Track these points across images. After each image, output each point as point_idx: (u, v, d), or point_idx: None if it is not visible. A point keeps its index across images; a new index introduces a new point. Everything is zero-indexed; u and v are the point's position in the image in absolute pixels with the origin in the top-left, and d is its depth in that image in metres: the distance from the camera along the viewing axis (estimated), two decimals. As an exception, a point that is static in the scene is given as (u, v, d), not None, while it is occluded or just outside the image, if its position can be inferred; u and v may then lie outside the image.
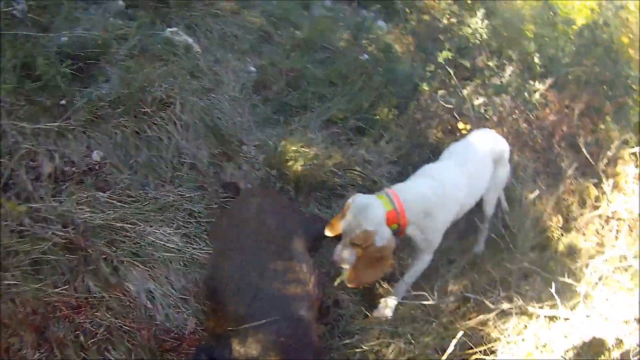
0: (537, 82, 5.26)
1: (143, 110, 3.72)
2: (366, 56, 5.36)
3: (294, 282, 2.89)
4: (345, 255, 2.98)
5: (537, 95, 5.16)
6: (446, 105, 4.94)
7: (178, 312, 3.06)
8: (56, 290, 2.84)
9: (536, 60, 5.48)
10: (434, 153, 4.49)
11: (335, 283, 3.21)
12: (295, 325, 2.75)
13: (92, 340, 2.74)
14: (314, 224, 3.48)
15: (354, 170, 4.12)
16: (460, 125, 4.92)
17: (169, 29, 4.62)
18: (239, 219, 3.23)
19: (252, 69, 4.80)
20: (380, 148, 4.46)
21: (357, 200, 3.00)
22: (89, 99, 3.72)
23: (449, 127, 4.98)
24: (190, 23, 4.93)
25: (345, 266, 3.05)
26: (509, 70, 5.39)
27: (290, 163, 3.90)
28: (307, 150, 3.98)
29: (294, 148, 3.97)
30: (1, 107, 3.32)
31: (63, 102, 3.71)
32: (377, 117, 4.64)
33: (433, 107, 4.96)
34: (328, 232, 3.27)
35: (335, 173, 4.01)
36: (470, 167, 3.49)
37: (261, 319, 2.69)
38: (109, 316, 2.84)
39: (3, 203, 3.04)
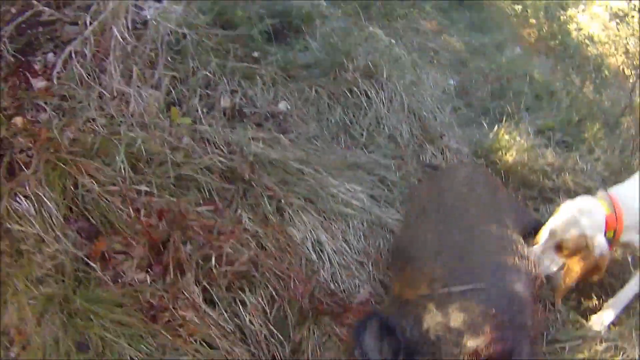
0: None
1: (344, 75, 3.13)
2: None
3: (507, 253, 2.08)
4: (548, 258, 2.36)
5: None
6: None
7: (349, 275, 2.26)
8: (197, 209, 2.19)
9: None
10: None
11: None
12: (510, 300, 1.92)
13: (225, 269, 2.02)
14: (528, 214, 2.75)
15: (567, 176, 3.27)
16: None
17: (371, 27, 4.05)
18: (446, 184, 2.50)
19: (452, 82, 4.12)
20: (590, 161, 3.57)
21: (574, 201, 2.41)
22: (285, 57, 3.21)
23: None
24: (391, 32, 4.33)
25: (541, 269, 2.34)
26: None
27: (501, 152, 3.22)
28: (522, 141, 3.31)
29: (507, 137, 3.28)
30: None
31: (256, 54, 3.22)
32: (586, 134, 3.83)
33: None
34: None
35: (547, 175, 3.23)
36: None
37: (468, 285, 1.88)
38: (258, 252, 2.12)
39: (164, 116, 2.55)
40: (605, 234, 2.29)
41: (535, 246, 2.35)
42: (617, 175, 3.47)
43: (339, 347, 2.03)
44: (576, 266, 2.26)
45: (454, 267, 1.95)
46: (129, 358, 1.78)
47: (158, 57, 2.80)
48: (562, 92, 4.17)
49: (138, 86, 2.63)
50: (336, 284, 2.21)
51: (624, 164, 3.61)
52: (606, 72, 5.32)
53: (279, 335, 2.00)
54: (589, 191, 3.06)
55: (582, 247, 2.26)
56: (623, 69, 5.94)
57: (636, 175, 2.59)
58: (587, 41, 6.13)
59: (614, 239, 2.35)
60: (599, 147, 3.69)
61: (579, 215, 2.29)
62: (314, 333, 2.04)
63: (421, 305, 1.87)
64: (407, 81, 3.35)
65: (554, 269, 2.34)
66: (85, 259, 1.95)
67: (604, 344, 2.21)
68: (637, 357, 2.16)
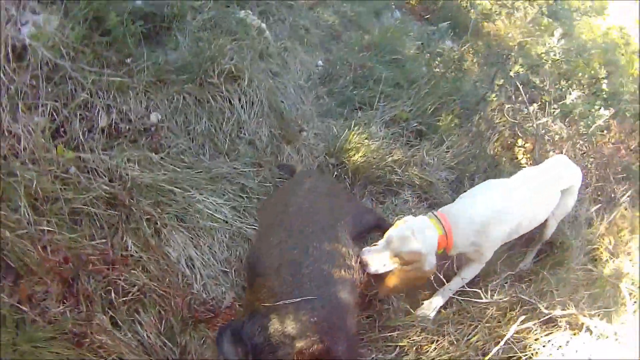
0: (602, 109, 4.67)
1: (209, 80, 3.29)
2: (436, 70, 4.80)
3: (337, 265, 2.45)
4: (381, 261, 2.59)
5: (600, 122, 4.54)
6: (510, 120, 4.45)
7: (217, 284, 2.67)
8: (92, 243, 2.48)
9: (604, 87, 4.88)
10: (490, 166, 4.09)
11: None
12: (332, 307, 2.32)
13: (123, 299, 2.38)
14: (366, 214, 3.04)
15: (413, 170, 3.62)
16: (520, 142, 4.48)
17: (242, 11, 4.15)
18: (290, 196, 2.80)
19: (320, 62, 4.34)
20: (439, 153, 3.92)
21: (412, 220, 2.63)
22: (156, 62, 3.29)
23: (509, 143, 4.50)
24: (265, 10, 4.45)
25: (372, 269, 2.60)
26: (575, 93, 4.83)
27: (351, 153, 3.45)
28: (370, 142, 3.54)
29: (356, 139, 3.50)
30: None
31: (129, 60, 3.25)
32: (440, 123, 4.10)
33: (497, 118, 4.49)
34: None
35: (394, 170, 3.55)
36: (537, 191, 3.00)
37: (299, 297, 2.27)
38: (144, 277, 2.47)
39: (51, 148, 2.65)
40: (436, 252, 2.58)
41: (373, 247, 2.62)
42: (464, 165, 3.87)
43: (214, 347, 2.42)
44: (404, 273, 2.53)
45: (290, 282, 2.33)
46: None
47: (39, 86, 2.82)
48: (422, 80, 4.35)
49: (24, 119, 2.68)
50: (207, 293, 2.61)
51: (471, 155, 3.95)
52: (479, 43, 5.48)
53: (169, 343, 2.38)
54: (431, 186, 3.53)
55: (414, 260, 2.52)
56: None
57: (464, 195, 2.91)
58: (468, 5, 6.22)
59: (446, 253, 2.68)
60: (451, 139, 3.99)
61: (416, 232, 2.51)
62: (194, 337, 2.45)
63: (266, 315, 2.26)
64: (271, 78, 3.57)
65: (384, 270, 2.58)
66: (17, 305, 2.18)
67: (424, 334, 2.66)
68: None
